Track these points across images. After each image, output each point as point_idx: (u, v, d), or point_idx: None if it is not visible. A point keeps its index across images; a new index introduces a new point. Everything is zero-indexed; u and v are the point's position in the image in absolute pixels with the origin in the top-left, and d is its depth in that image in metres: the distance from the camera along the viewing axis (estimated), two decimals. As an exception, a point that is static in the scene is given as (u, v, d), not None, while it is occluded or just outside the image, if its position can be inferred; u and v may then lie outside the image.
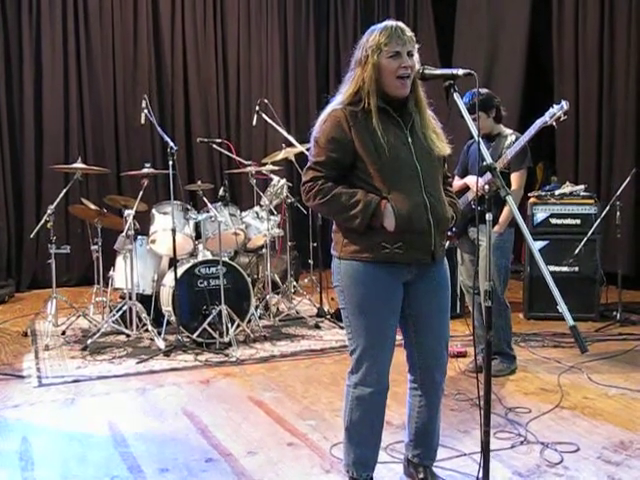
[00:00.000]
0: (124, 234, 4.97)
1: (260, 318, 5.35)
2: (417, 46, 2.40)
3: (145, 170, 5.14)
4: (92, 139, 7.72)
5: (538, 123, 3.72)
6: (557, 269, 5.46)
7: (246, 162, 5.83)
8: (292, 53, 8.69)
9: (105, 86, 7.75)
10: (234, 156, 6.13)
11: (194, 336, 4.79)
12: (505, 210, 3.92)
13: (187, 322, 4.84)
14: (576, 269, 5.48)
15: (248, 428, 3.35)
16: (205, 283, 4.95)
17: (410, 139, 2.40)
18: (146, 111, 5.11)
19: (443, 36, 8.57)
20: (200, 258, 5.08)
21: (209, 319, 4.78)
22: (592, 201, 5.57)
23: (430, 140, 2.44)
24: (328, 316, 5.64)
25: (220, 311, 4.78)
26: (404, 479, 2.76)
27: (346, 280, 2.42)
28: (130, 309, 5.04)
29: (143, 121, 5.20)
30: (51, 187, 7.20)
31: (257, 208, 5.52)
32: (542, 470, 2.82)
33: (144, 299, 5.16)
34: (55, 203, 5.11)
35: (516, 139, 3.89)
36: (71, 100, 7.59)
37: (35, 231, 5.23)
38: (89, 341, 4.82)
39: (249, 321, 5.12)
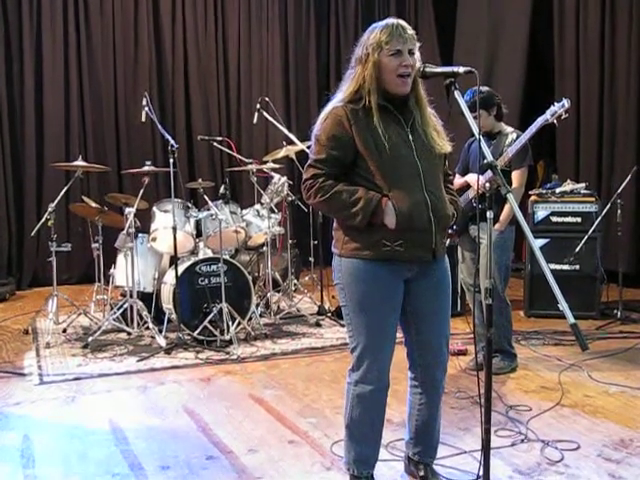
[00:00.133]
0: (125, 232, 4.98)
1: (261, 316, 5.36)
2: (418, 44, 2.40)
3: (146, 168, 5.14)
4: (93, 137, 7.72)
5: (539, 121, 3.72)
6: (558, 267, 5.46)
7: (247, 160, 5.83)
8: (293, 51, 8.68)
9: (106, 84, 7.75)
10: (235, 154, 6.12)
11: (195, 334, 4.79)
12: (506, 208, 3.92)
13: (188, 320, 4.84)
14: (577, 267, 5.48)
15: (249, 426, 3.35)
16: (206, 281, 4.95)
17: (411, 137, 2.40)
18: (147, 109, 5.11)
19: (444, 34, 8.55)
20: (201, 256, 5.08)
21: (210, 317, 4.78)
22: (593, 199, 5.57)
23: (431, 138, 2.44)
24: (329, 314, 5.65)
25: (221, 309, 4.78)
26: (405, 477, 2.76)
27: (347, 278, 2.42)
28: (131, 307, 5.05)
29: (144, 119, 5.20)
30: (52, 185, 7.20)
31: (258, 206, 5.52)
32: (543, 468, 2.82)
33: (145, 297, 5.17)
34: (56, 201, 5.11)
35: (517, 137, 3.89)
36: (72, 98, 7.58)
37: (36, 229, 5.24)
38: (90, 339, 4.83)
39: (250, 319, 5.12)
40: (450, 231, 3.93)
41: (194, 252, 5.27)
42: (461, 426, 3.28)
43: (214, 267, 4.97)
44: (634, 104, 6.57)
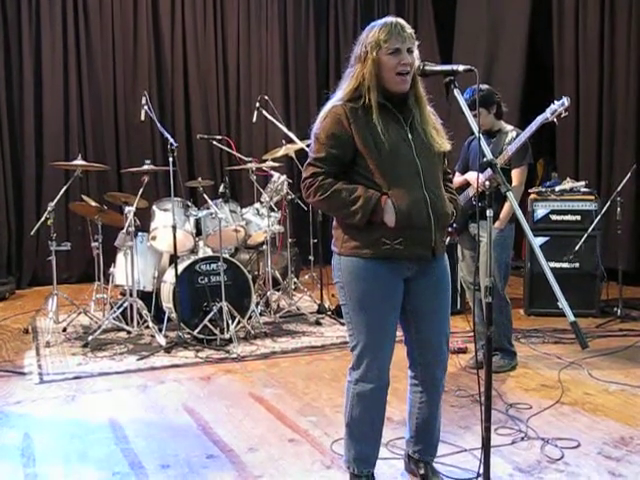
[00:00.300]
0: (124, 231, 4.98)
1: (261, 315, 5.36)
2: (417, 42, 2.40)
3: (145, 167, 5.14)
4: (92, 136, 7.72)
5: (539, 119, 3.71)
6: (557, 265, 5.46)
7: (246, 159, 5.83)
8: (292, 49, 8.68)
9: (105, 83, 7.75)
10: (234, 153, 6.12)
11: (195, 333, 4.79)
12: (506, 206, 3.91)
13: (188, 319, 4.84)
14: (576, 265, 5.48)
15: (249, 424, 3.35)
16: (206, 280, 4.95)
17: (410, 135, 2.40)
18: (146, 108, 5.10)
19: (443, 32, 8.55)
20: (201, 255, 5.08)
21: (210, 316, 4.78)
22: (592, 197, 5.57)
23: (430, 136, 2.44)
24: (329, 312, 5.65)
25: (221, 308, 4.78)
26: (405, 475, 2.76)
27: (347, 276, 2.42)
28: (131, 306, 5.05)
29: (143, 118, 5.19)
30: (51, 184, 7.20)
31: (257, 205, 5.52)
32: (543, 466, 2.82)
33: (145, 296, 5.17)
34: (55, 200, 5.11)
35: (517, 135, 3.89)
36: (71, 97, 7.58)
37: (35, 228, 5.23)
38: (90, 338, 4.83)
39: (250, 318, 5.12)
40: (450, 229, 3.93)
41: (194, 251, 5.27)
42: (461, 424, 3.28)
43: (214, 266, 4.97)
44: (633, 102, 6.57)
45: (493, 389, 2.52)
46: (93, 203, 5.51)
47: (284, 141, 5.92)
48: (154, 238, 5.14)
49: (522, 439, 3.08)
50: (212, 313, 4.78)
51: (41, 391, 3.93)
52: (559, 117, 3.68)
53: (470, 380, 3.92)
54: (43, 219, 5.07)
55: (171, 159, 4.72)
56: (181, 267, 4.82)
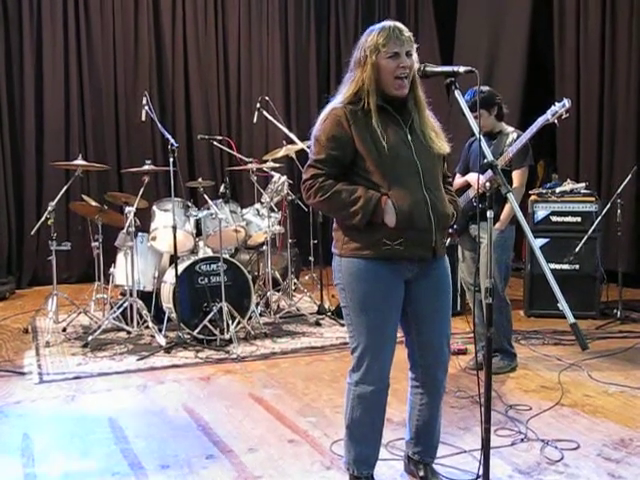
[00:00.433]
0: (125, 231, 4.98)
1: (261, 315, 5.35)
2: (415, 46, 2.41)
3: (146, 167, 5.14)
4: (93, 136, 7.72)
5: (540, 121, 3.72)
6: (558, 267, 5.46)
7: (247, 159, 5.83)
8: (293, 50, 8.68)
9: (106, 83, 7.75)
10: (235, 153, 6.13)
11: (195, 333, 4.79)
12: (506, 207, 3.92)
13: (188, 319, 4.84)
14: (577, 267, 5.48)
15: (249, 425, 3.35)
16: (206, 280, 4.95)
17: (410, 137, 2.41)
18: (147, 108, 5.10)
19: (444, 33, 8.55)
20: (201, 255, 5.08)
21: (210, 316, 4.78)
22: (593, 199, 5.57)
23: (429, 138, 2.45)
24: (329, 313, 5.65)
25: (221, 308, 4.78)
26: (404, 476, 2.76)
27: (347, 278, 2.42)
28: (131, 306, 5.05)
29: (144, 118, 5.19)
30: (52, 184, 7.19)
31: (258, 205, 5.52)
32: (542, 467, 2.82)
33: (145, 296, 5.17)
34: (56, 200, 5.11)
35: (518, 137, 3.89)
36: (72, 97, 7.58)
37: (36, 228, 5.23)
38: (90, 338, 4.83)
39: (250, 318, 5.12)
40: (450, 230, 3.93)
41: (194, 251, 5.27)
42: (461, 425, 3.28)
43: (214, 266, 4.97)
44: (634, 104, 6.57)
45: (493, 390, 2.52)
46: (93, 203, 5.51)
47: (285, 142, 5.92)
48: (154, 238, 5.14)
49: (522, 440, 3.08)
50: (212, 313, 4.78)
51: (41, 391, 3.93)
52: (560, 118, 3.68)
53: (470, 381, 3.92)
54: (43, 219, 5.08)
55: (172, 159, 4.72)
56: (181, 267, 4.82)
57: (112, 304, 5.22)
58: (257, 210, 5.47)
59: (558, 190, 5.65)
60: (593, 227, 5.32)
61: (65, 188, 5.36)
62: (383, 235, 2.35)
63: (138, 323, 5.07)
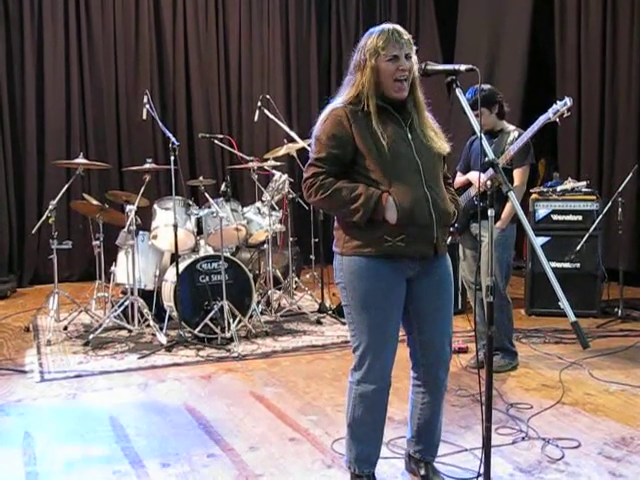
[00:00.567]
0: (126, 229, 4.98)
1: (262, 314, 5.36)
2: (415, 48, 2.42)
3: (147, 165, 5.15)
4: (94, 135, 7.73)
5: (541, 119, 3.71)
6: (559, 265, 5.46)
7: (248, 158, 5.83)
8: (294, 49, 8.68)
9: (107, 82, 7.75)
10: (236, 152, 6.12)
11: (196, 331, 4.79)
12: (507, 206, 3.92)
13: (189, 317, 4.84)
14: (578, 265, 5.48)
15: (250, 423, 3.36)
16: (207, 278, 4.95)
17: (410, 135, 2.42)
18: (148, 106, 5.10)
19: (445, 32, 8.54)
20: (202, 254, 5.08)
21: (211, 314, 4.78)
22: (594, 197, 5.57)
23: (429, 138, 2.46)
24: (330, 312, 5.65)
25: (222, 306, 4.79)
26: (405, 474, 2.76)
27: (349, 276, 2.42)
28: (132, 304, 5.05)
29: (145, 116, 5.19)
30: (53, 182, 7.21)
31: (259, 204, 5.52)
32: (543, 466, 2.82)
33: (146, 294, 5.17)
34: (57, 198, 5.11)
35: (519, 135, 3.89)
36: (73, 96, 7.59)
37: (37, 226, 5.24)
38: (91, 336, 4.83)
39: (251, 316, 5.13)
40: (451, 229, 3.93)
41: (195, 250, 5.27)
42: (462, 424, 3.28)
43: (215, 265, 4.97)
44: (635, 102, 6.56)
45: (494, 389, 2.52)
46: (94, 202, 5.51)
47: (286, 140, 5.93)
48: (155, 237, 5.15)
49: (523, 439, 3.08)
50: (213, 312, 4.79)
51: (42, 389, 3.93)
52: (561, 117, 3.68)
53: (471, 380, 3.92)
54: (44, 217, 5.08)
55: (172, 158, 4.71)
56: (182, 266, 4.82)
57: (113, 303, 5.23)
58: (258, 208, 5.48)
59: (559, 189, 5.65)
60: (594, 225, 5.32)
61: (66, 187, 5.36)
62: (384, 232, 2.35)
63: (139, 321, 5.07)
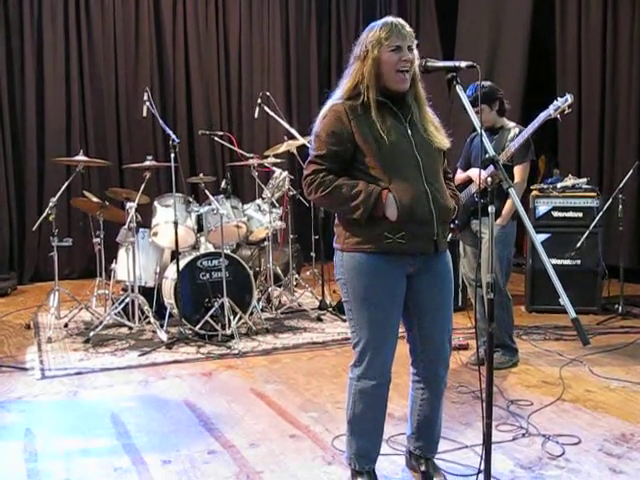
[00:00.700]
0: (126, 227, 4.98)
1: (262, 311, 5.36)
2: (416, 42, 2.42)
3: (147, 163, 5.14)
4: (94, 132, 7.72)
5: (542, 116, 3.71)
6: (559, 262, 5.46)
7: (248, 155, 5.83)
8: (294, 46, 8.67)
9: (107, 78, 7.74)
10: (236, 149, 6.12)
11: (196, 328, 4.80)
12: (508, 203, 3.91)
13: (189, 314, 4.85)
14: (578, 262, 5.48)
15: (250, 420, 3.36)
16: (207, 276, 4.95)
17: (410, 131, 2.41)
18: (148, 103, 5.10)
19: (445, 28, 8.52)
20: (202, 251, 5.08)
21: (211, 311, 4.79)
22: (594, 194, 5.56)
23: (430, 133, 2.45)
24: (330, 308, 5.65)
25: (222, 303, 4.79)
26: (406, 471, 2.77)
27: (349, 272, 2.42)
28: (132, 301, 5.05)
29: (145, 114, 5.19)
30: (53, 180, 7.20)
31: (259, 201, 5.52)
32: (544, 462, 2.82)
33: (146, 291, 5.17)
34: (57, 196, 5.11)
35: (519, 132, 3.88)
36: (73, 93, 7.58)
37: (37, 224, 5.23)
38: (91, 333, 4.83)
39: (251, 313, 5.13)
40: (452, 226, 3.92)
41: (195, 247, 5.27)
42: (462, 421, 3.29)
43: (215, 262, 4.97)
44: (636, 99, 6.55)
45: (494, 386, 2.52)
46: (95, 199, 5.51)
47: (286, 137, 5.92)
48: (155, 234, 5.15)
49: (523, 435, 3.09)
50: (213, 309, 4.79)
51: (43, 387, 3.94)
52: (563, 114, 3.67)
53: (471, 376, 3.92)
54: (45, 215, 5.08)
55: (173, 155, 4.71)
56: (182, 263, 4.83)
57: (114, 300, 5.23)
58: (258, 206, 5.47)
59: (559, 185, 5.65)
60: (594, 222, 5.32)
61: (66, 184, 5.36)
62: (384, 229, 2.35)
63: (140, 319, 5.07)
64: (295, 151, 5.94)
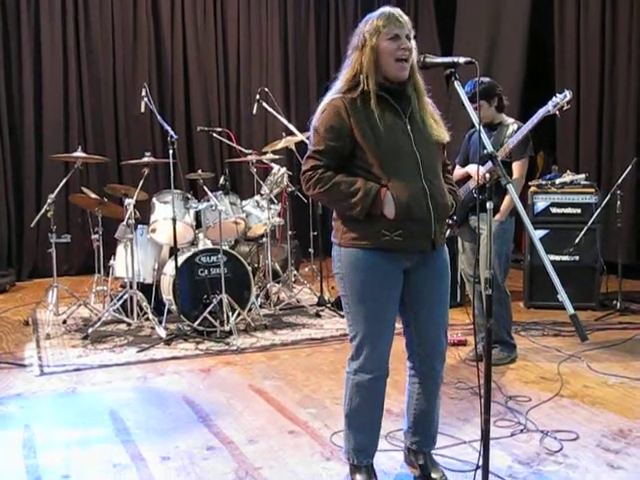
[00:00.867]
0: (125, 223, 4.98)
1: (261, 307, 5.36)
2: (414, 32, 2.41)
3: (145, 159, 5.13)
4: (92, 128, 7.71)
5: (541, 112, 3.71)
6: (557, 258, 5.46)
7: (246, 151, 5.82)
8: (292, 41, 8.66)
9: (105, 75, 7.73)
10: (234, 145, 6.11)
11: (195, 325, 4.80)
12: (506, 199, 3.91)
13: (188, 311, 4.85)
14: (576, 258, 5.48)
15: (249, 416, 3.36)
16: (206, 272, 4.95)
17: (409, 126, 2.41)
18: (146, 99, 5.09)
19: (444, 24, 8.51)
20: (200, 247, 5.08)
21: (210, 308, 4.79)
22: (593, 190, 5.56)
23: (429, 125, 2.44)
24: (328, 305, 5.65)
25: (221, 300, 4.79)
26: (404, 467, 2.77)
27: (346, 267, 2.42)
28: (131, 298, 5.05)
29: (143, 110, 5.18)
30: (51, 176, 7.19)
31: (257, 197, 5.51)
32: (542, 458, 2.83)
33: (145, 288, 5.17)
34: (55, 192, 5.10)
35: (518, 128, 3.88)
36: (71, 89, 7.56)
37: (36, 220, 5.22)
38: (90, 330, 4.83)
39: (250, 310, 5.13)
40: (450, 222, 3.93)
41: (194, 243, 5.27)
42: (460, 416, 3.29)
43: (214, 258, 4.97)
44: (634, 95, 6.55)
45: (492, 381, 2.52)
46: (93, 195, 5.50)
47: (284, 133, 5.91)
48: (154, 230, 5.14)
49: (521, 431, 3.09)
50: (212, 305, 4.79)
51: (41, 383, 3.94)
52: (561, 110, 3.67)
53: (470, 372, 3.93)
54: (43, 211, 5.07)
55: (171, 151, 4.71)
56: (181, 259, 4.82)
57: (112, 296, 5.23)
58: (257, 202, 5.47)
59: (558, 181, 5.65)
60: (593, 218, 5.32)
61: (65, 180, 5.35)
62: (382, 226, 2.35)
63: (138, 315, 5.07)
64: (294, 147, 5.94)
